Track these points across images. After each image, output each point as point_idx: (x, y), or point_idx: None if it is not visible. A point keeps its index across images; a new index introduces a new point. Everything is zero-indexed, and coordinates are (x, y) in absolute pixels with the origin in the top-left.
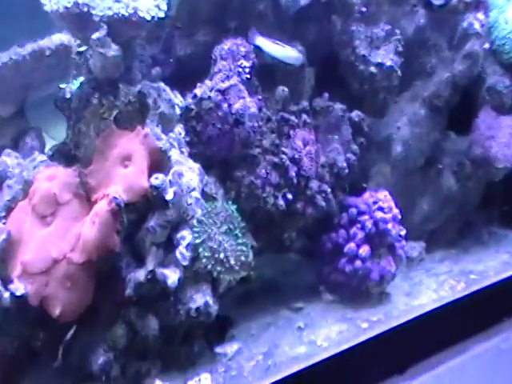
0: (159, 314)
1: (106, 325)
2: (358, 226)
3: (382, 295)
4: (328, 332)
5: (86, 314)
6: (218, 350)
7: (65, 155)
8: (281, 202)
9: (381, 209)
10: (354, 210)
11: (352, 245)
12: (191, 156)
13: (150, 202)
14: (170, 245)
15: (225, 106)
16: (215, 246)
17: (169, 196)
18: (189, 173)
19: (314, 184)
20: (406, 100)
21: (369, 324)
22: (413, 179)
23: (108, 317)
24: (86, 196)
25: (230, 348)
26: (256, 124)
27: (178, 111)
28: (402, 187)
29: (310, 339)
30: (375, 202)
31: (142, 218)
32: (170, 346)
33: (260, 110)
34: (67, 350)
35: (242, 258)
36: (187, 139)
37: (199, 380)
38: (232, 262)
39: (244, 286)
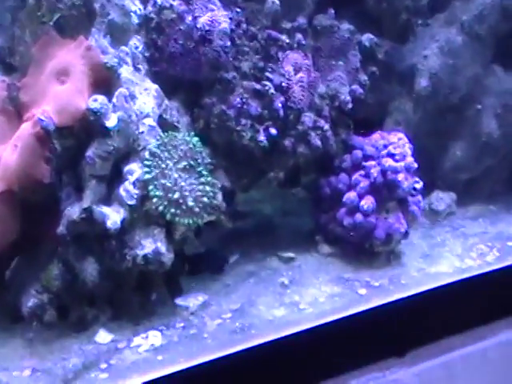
0: (102, 258)
1: (42, 263)
2: (362, 172)
3: (390, 255)
4: (316, 293)
5: (24, 249)
6: (179, 301)
7: None
8: (261, 137)
9: (391, 155)
10: (358, 153)
11: (352, 194)
12: (151, 75)
13: (90, 128)
14: (116, 179)
15: (189, 18)
16: (169, 184)
17: (110, 122)
18: (143, 95)
19: (308, 118)
20: (440, 24)
21: (368, 290)
22: (443, 120)
23: (45, 254)
24: (16, 113)
25: (193, 300)
26: (228, 43)
27: (135, 20)
28: (429, 128)
29: (292, 300)
30: (386, 146)
31: (83, 145)
32: (120, 292)
33: (238, 25)
34: (6, 287)
35: (205, 200)
36: (147, 55)
37: (146, 337)
38: (190, 203)
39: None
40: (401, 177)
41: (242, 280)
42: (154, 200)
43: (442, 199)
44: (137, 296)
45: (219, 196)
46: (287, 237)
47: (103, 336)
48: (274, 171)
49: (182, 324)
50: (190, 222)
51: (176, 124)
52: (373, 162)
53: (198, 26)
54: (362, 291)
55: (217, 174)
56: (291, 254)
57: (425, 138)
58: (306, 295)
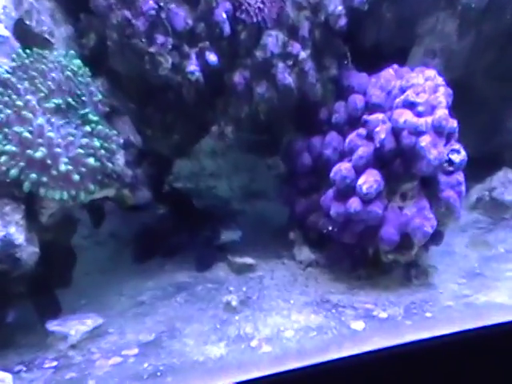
0: None
1: None
2: (363, 132)
3: (411, 270)
4: (282, 323)
5: None
6: (54, 326)
7: None
8: (192, 66)
9: (410, 105)
10: (357, 100)
11: (345, 166)
12: None
13: None
14: None
15: None
16: (28, 135)
17: None
18: None
19: (272, 40)
20: None
21: (367, 323)
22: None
23: None
24: None
25: (78, 325)
26: None
27: None
28: (487, 65)
29: (241, 332)
30: (403, 90)
31: None
32: None
33: None
34: None
35: (91, 163)
36: None
37: None
38: (63, 167)
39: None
40: (425, 141)
41: (164, 296)
42: (3, 158)
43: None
44: None
45: (119, 158)
46: (248, 233)
47: None
48: (218, 124)
49: (54, 363)
50: (64, 196)
51: (47, 36)
52: (380, 116)
53: None
54: (358, 325)
55: (118, 123)
56: (249, 260)
57: (479, 80)
58: (265, 326)
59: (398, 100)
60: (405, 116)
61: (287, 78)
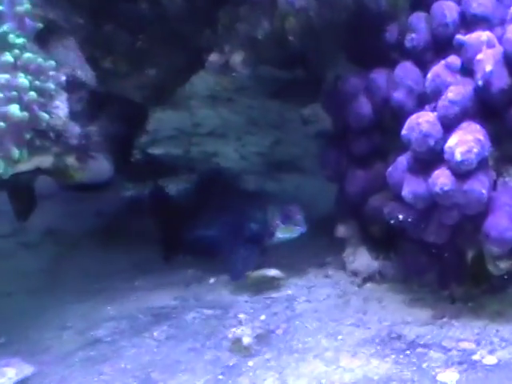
0: None
1: None
2: (455, 62)
3: None
4: (323, 374)
5: None
6: None
7: None
8: None
9: None
10: (447, 9)
11: (427, 118)
12: None
13: None
14: None
15: None
16: None
17: None
18: None
19: None
20: None
21: (463, 373)
22: None
23: None
24: None
25: None
26: None
27: None
28: None
29: None
30: None
31: None
32: None
33: None
34: None
35: (14, 113)
36: None
37: None
38: None
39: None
40: None
41: (133, 329)
42: None
43: None
44: None
45: (60, 105)
46: None
47: None
48: (220, 49)
49: None
50: None
51: None
52: (485, 35)
53: None
54: (449, 376)
55: (58, 49)
56: (272, 271)
57: None
58: (298, 378)
59: None
60: None
61: None
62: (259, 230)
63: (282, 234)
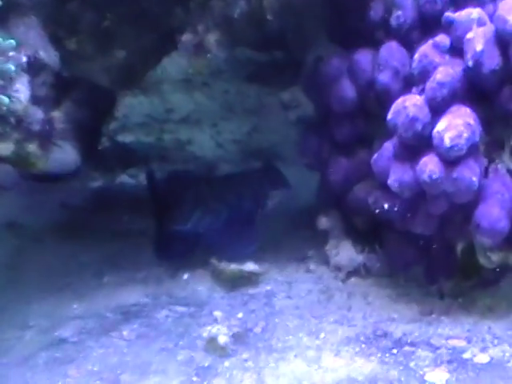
0: None
1: None
2: (444, 41)
3: None
4: (304, 374)
5: None
6: None
7: None
8: None
9: None
10: None
11: (413, 102)
12: None
13: None
14: None
15: None
16: None
17: None
18: None
19: None
20: None
21: (452, 373)
22: None
23: None
24: None
25: None
26: None
27: None
28: None
29: None
30: None
31: None
32: None
33: None
34: None
35: None
36: None
37: None
38: None
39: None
40: None
41: (101, 328)
42: None
43: None
44: None
45: (21, 89)
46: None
47: None
48: (193, 29)
49: None
50: None
51: None
52: (475, 12)
53: None
54: (438, 375)
55: (19, 28)
56: (250, 266)
57: None
58: (278, 378)
59: None
60: None
61: None
62: (251, 204)
63: (272, 200)
